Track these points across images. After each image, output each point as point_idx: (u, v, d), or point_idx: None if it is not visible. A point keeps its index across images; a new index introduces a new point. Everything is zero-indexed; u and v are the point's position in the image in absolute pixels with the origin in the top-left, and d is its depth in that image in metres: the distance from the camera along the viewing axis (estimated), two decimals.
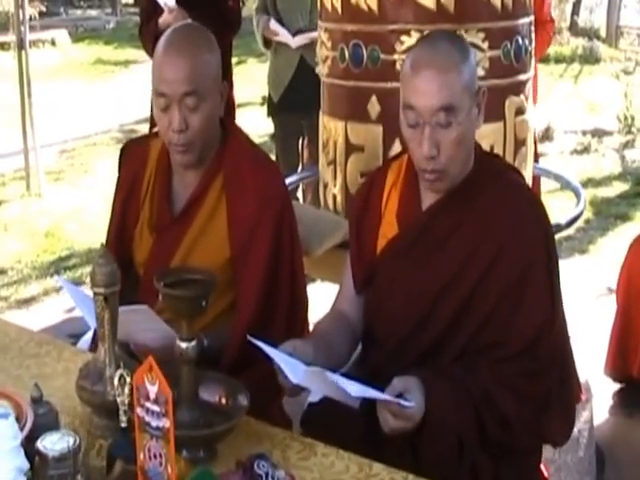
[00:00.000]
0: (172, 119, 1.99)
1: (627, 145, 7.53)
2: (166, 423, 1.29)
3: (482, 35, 2.62)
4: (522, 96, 2.77)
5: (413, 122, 1.84)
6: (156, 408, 1.31)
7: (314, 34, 4.31)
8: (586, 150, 7.39)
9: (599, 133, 7.79)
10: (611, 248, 5.00)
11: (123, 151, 2.28)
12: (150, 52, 4.44)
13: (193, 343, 1.63)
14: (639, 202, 6.02)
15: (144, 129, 8.29)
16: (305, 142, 4.96)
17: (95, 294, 1.68)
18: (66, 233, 5.46)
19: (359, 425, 1.86)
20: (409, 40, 2.63)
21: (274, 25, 4.50)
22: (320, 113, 3.05)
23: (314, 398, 1.94)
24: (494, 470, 1.85)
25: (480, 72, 2.56)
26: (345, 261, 2.18)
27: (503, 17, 2.66)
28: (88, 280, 4.69)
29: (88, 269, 4.81)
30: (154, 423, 1.33)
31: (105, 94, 9.91)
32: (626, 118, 7.80)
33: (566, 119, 8.11)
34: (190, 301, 1.59)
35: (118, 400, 1.52)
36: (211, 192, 2.10)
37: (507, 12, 2.67)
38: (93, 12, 16.94)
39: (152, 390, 1.31)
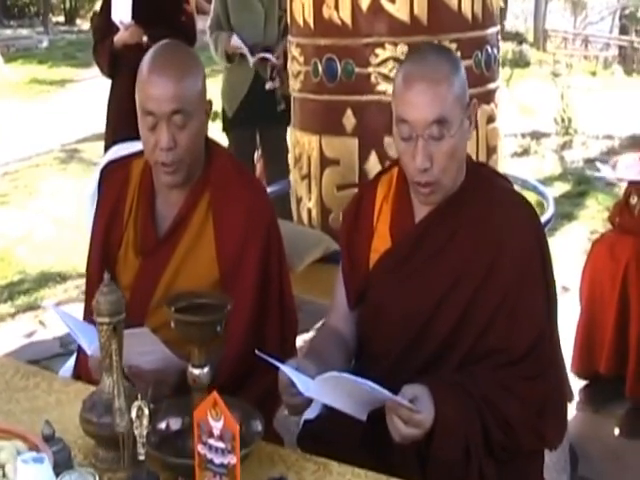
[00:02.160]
0: (160, 138, 1.96)
1: (565, 146, 7.69)
2: (232, 459, 1.26)
3: (454, 45, 2.65)
4: (492, 104, 2.81)
5: (407, 135, 1.84)
6: (221, 445, 1.27)
7: (273, 59, 4.37)
8: (526, 152, 7.51)
9: (537, 135, 7.94)
10: (560, 247, 5.07)
11: (103, 173, 2.23)
12: (105, 71, 4.40)
13: (206, 369, 1.59)
14: (582, 201, 6.15)
15: (87, 148, 8.18)
16: (258, 155, 4.95)
17: (100, 324, 1.62)
18: (17, 257, 5.31)
19: (360, 437, 1.84)
20: (383, 53, 2.65)
21: (236, 41, 4.47)
22: (290, 128, 3.03)
23: (310, 415, 1.92)
24: (499, 475, 1.85)
25: None
26: (326, 276, 2.17)
27: (474, 27, 2.70)
28: (43, 304, 4.56)
29: (42, 293, 4.71)
30: (218, 460, 1.29)
31: (43, 114, 9.73)
32: (563, 120, 7.96)
33: (503, 123, 8.23)
34: (205, 327, 1.55)
35: (136, 432, 1.48)
36: (197, 211, 2.07)
37: (477, 22, 2.70)
38: (24, 31, 16.66)
39: (216, 426, 1.27)
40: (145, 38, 4.13)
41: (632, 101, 9.42)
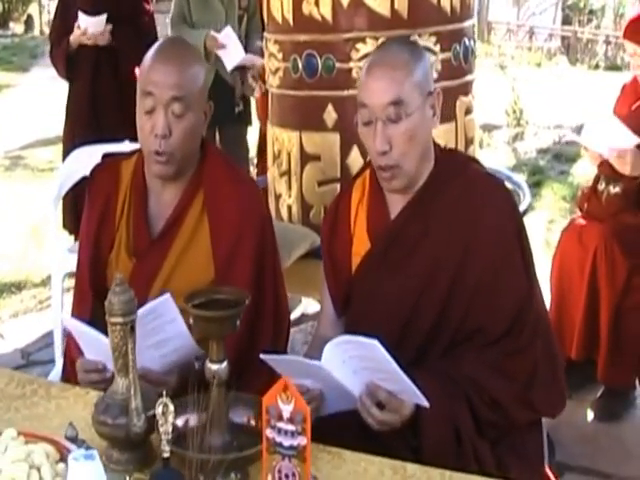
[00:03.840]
0: (156, 123, 1.96)
1: (517, 137, 7.81)
2: (302, 441, 1.30)
3: (434, 39, 2.69)
4: (470, 96, 2.85)
5: (366, 119, 1.89)
6: (290, 427, 1.31)
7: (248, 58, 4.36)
8: (479, 145, 7.59)
9: (488, 128, 8.02)
10: None
11: (91, 175, 2.20)
12: (62, 72, 4.35)
13: (224, 364, 1.59)
14: (537, 192, 6.23)
15: (31, 154, 8.01)
16: None
17: (113, 324, 1.60)
18: None
19: (355, 428, 1.84)
20: (365, 48, 2.67)
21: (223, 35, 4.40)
22: (268, 125, 3.03)
23: None
24: (495, 455, 1.88)
25: (433, 75, 2.61)
26: (313, 271, 2.17)
27: (452, 20, 2.74)
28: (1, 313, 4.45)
29: None
30: (287, 443, 1.33)
31: None
32: (514, 111, 8.10)
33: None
34: (225, 322, 1.55)
35: (161, 430, 1.48)
36: (192, 210, 2.06)
37: (455, 15, 2.74)
38: None
39: (286, 409, 1.32)
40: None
41: (578, 91, 9.62)
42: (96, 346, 1.89)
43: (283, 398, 1.32)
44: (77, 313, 2.17)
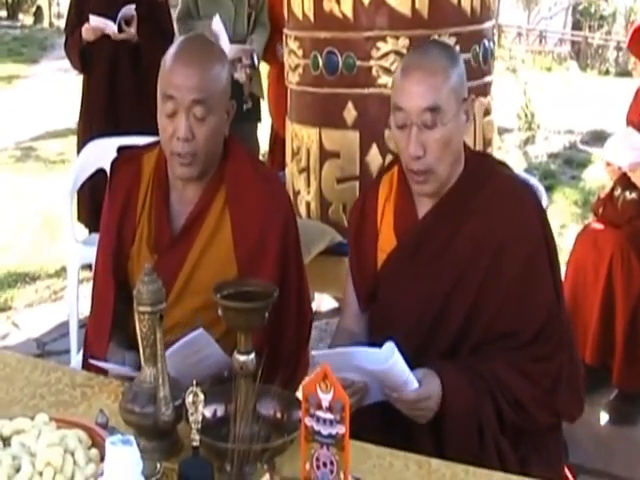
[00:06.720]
0: (178, 127, 1.94)
1: (528, 141, 7.82)
2: (341, 429, 1.31)
3: (454, 39, 2.70)
4: (489, 97, 2.86)
5: (401, 123, 1.89)
6: (329, 416, 1.32)
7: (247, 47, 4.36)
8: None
9: (500, 131, 7.99)
10: None
11: (112, 167, 2.19)
12: (76, 64, 4.41)
13: (252, 356, 1.60)
14: (549, 196, 6.22)
15: (42, 146, 8.04)
16: None
17: (141, 313, 1.62)
18: None
19: (374, 419, 1.88)
20: (385, 46, 2.68)
21: (217, 23, 4.33)
22: (286, 121, 3.04)
23: None
24: (518, 454, 1.90)
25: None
26: (332, 268, 2.18)
27: (472, 21, 2.75)
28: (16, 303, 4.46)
29: (11, 293, 4.60)
30: (325, 431, 1.34)
31: None
32: (526, 115, 8.10)
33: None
34: (254, 313, 1.57)
35: (191, 419, 1.49)
36: (214, 206, 2.05)
37: (475, 16, 2.75)
38: None
39: (325, 398, 1.32)
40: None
41: (589, 96, 9.63)
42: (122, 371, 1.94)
43: (322, 387, 1.33)
44: (97, 306, 2.17)
